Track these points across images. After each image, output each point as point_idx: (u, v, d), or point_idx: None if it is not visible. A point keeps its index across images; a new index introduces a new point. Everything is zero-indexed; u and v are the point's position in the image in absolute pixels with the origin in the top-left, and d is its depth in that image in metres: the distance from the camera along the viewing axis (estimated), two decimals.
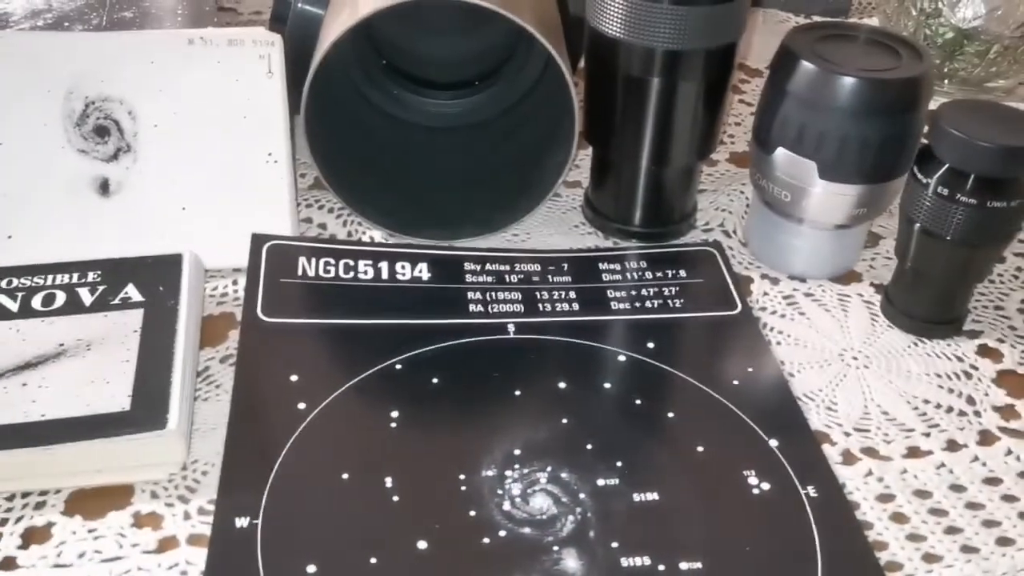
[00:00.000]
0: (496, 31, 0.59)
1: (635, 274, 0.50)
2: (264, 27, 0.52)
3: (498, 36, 0.59)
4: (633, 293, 0.48)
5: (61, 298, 0.43)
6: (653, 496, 0.38)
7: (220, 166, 0.49)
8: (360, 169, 0.51)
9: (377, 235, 0.51)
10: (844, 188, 0.46)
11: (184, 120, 0.49)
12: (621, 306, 0.48)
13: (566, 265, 0.50)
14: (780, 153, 0.47)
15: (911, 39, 0.48)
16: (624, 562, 0.35)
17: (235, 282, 0.48)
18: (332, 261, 0.49)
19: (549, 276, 0.49)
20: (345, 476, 0.38)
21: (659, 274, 0.50)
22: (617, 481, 0.38)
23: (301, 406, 0.41)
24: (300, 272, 0.48)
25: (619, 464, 0.39)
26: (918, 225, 0.45)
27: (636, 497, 0.38)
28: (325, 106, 0.50)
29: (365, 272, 0.48)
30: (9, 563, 0.34)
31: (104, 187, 0.47)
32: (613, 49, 0.48)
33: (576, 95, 0.47)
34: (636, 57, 0.47)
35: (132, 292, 0.43)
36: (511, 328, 0.46)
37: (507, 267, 0.50)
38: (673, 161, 0.51)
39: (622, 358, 0.45)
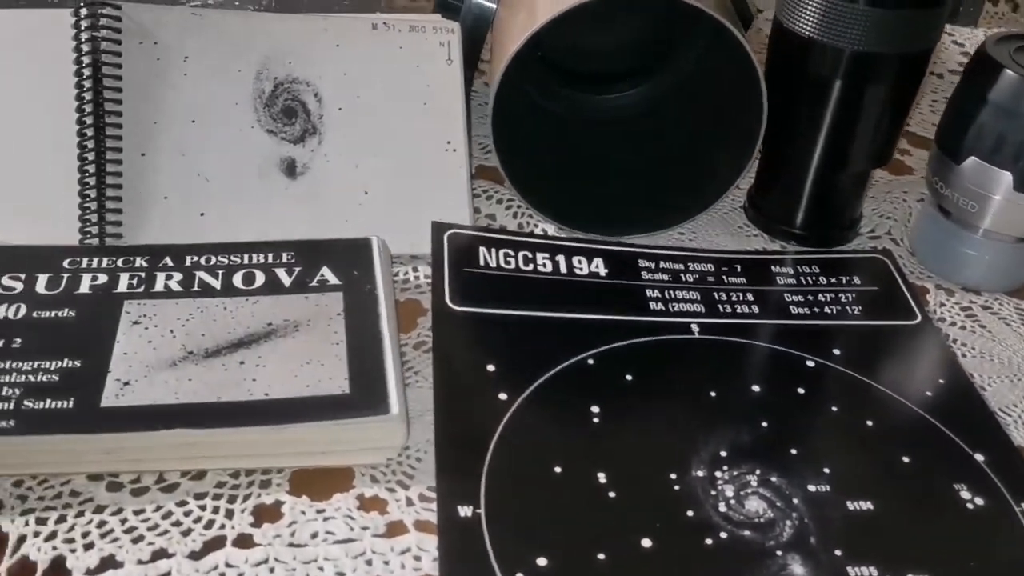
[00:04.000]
0: (655, 16, 0.58)
1: (809, 279, 0.50)
2: (427, 13, 0.53)
3: (658, 21, 0.59)
4: (810, 298, 0.48)
5: (260, 278, 0.43)
6: (868, 505, 0.38)
7: (400, 152, 0.49)
8: (533, 163, 0.51)
9: (549, 229, 0.51)
10: None
11: (367, 104, 0.49)
12: (800, 311, 0.47)
13: (739, 266, 0.50)
14: (971, 162, 0.47)
15: None
16: (851, 571, 0.35)
17: (415, 269, 0.48)
18: (511, 253, 0.49)
19: (724, 277, 0.49)
20: (557, 469, 0.38)
21: (833, 280, 0.50)
22: (828, 488, 0.38)
23: (503, 396, 0.41)
24: (482, 262, 0.48)
25: (827, 471, 0.39)
26: None
27: (850, 505, 0.38)
28: (504, 103, 0.50)
29: (544, 265, 0.48)
30: (245, 540, 0.34)
31: (291, 168, 0.48)
32: (799, 47, 0.47)
33: (765, 88, 0.47)
34: (824, 57, 0.47)
35: (328, 275, 0.44)
36: (695, 328, 0.46)
37: (681, 266, 0.50)
38: (849, 166, 0.50)
39: (811, 363, 0.44)
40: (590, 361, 0.43)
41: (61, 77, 0.46)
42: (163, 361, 0.38)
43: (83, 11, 0.46)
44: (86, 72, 0.45)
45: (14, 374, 0.36)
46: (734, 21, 0.48)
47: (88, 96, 0.45)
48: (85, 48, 0.45)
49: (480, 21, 0.54)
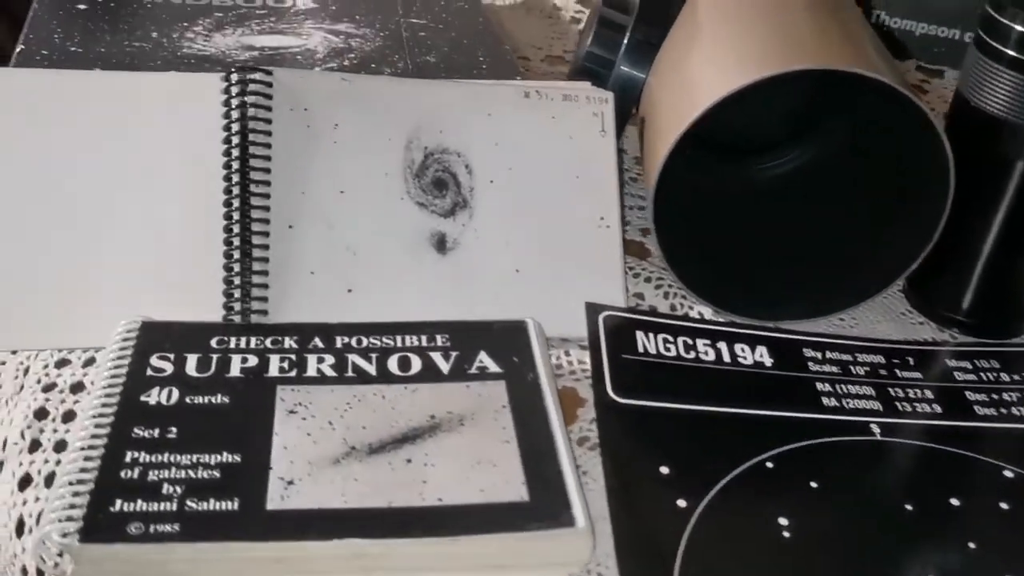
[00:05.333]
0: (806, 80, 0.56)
1: (990, 375, 0.46)
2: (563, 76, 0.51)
3: (817, 86, 0.56)
4: (995, 397, 0.45)
5: (417, 363, 0.40)
6: None
7: (552, 228, 0.46)
8: (688, 243, 0.48)
9: (704, 312, 0.48)
10: None
11: (518, 177, 0.47)
12: (986, 411, 0.44)
13: (911, 359, 0.47)
14: None
15: None
16: None
17: (567, 353, 0.45)
18: (670, 338, 0.46)
19: (896, 370, 0.46)
20: None
21: (1016, 376, 0.46)
22: None
23: (681, 503, 0.38)
24: (640, 348, 0.45)
25: None
26: None
27: None
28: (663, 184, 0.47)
29: (705, 353, 0.45)
30: None
31: (441, 243, 0.45)
32: (985, 125, 0.44)
33: (953, 169, 0.44)
34: (1013, 137, 0.44)
35: (487, 361, 0.41)
36: (875, 429, 0.42)
37: (849, 357, 0.46)
38: None
39: (1009, 474, 0.41)
40: (769, 464, 0.40)
41: (208, 144, 0.44)
42: (326, 458, 0.35)
43: (234, 76, 0.44)
44: (235, 140, 0.43)
45: (173, 469, 0.34)
46: (912, 91, 0.46)
47: (236, 164, 0.43)
48: (235, 115, 0.44)
49: (628, 91, 0.51)
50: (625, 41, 0.51)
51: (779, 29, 0.46)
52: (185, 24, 0.55)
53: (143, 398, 0.37)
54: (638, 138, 0.54)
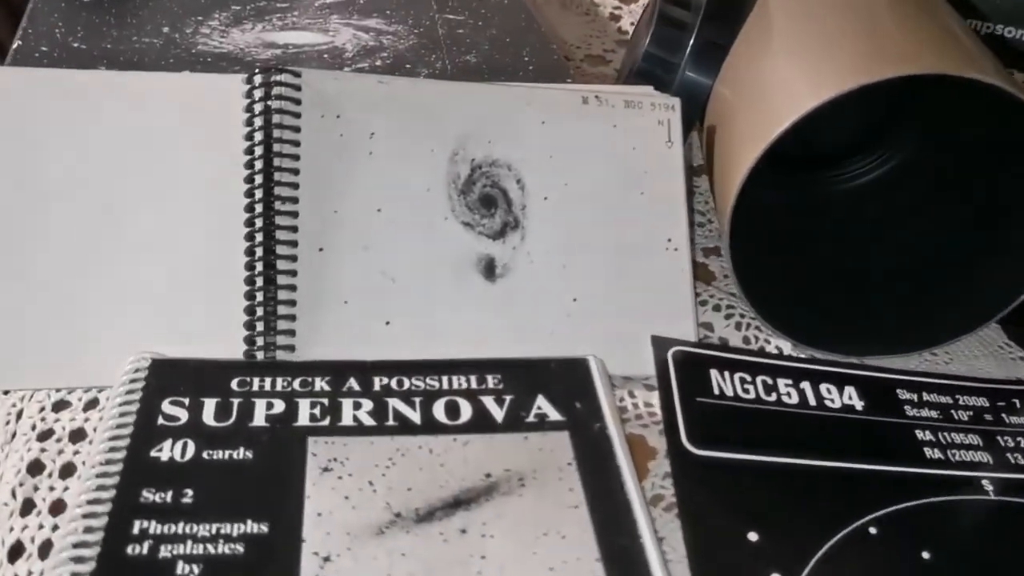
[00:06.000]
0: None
1: None
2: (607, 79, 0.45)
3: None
4: None
5: (467, 409, 0.35)
6: None
7: (613, 251, 0.41)
8: (764, 271, 0.43)
9: (783, 346, 0.43)
10: None
11: (576, 193, 0.41)
12: None
13: (1018, 402, 0.42)
14: None
15: None
16: None
17: (631, 394, 0.40)
18: (748, 378, 0.41)
19: (1003, 415, 0.41)
20: None
21: None
22: None
23: None
24: (716, 389, 0.40)
25: None
26: None
27: None
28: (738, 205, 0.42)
29: (788, 395, 0.40)
30: None
31: (490, 269, 0.40)
32: None
33: None
34: None
35: (546, 407, 0.36)
36: (987, 486, 0.37)
37: (948, 399, 0.41)
38: None
39: None
40: (872, 529, 0.35)
41: (227, 155, 0.38)
42: (367, 527, 0.30)
43: (258, 77, 0.39)
44: (258, 150, 0.38)
45: (189, 542, 0.29)
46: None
47: (259, 179, 0.38)
48: (258, 121, 0.38)
49: (693, 98, 0.46)
50: (691, 42, 0.46)
51: (867, 27, 0.41)
52: (200, 18, 0.50)
53: (153, 453, 0.31)
54: (701, 148, 0.49)
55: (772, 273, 0.44)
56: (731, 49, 0.46)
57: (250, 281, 0.38)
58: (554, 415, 0.35)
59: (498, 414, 0.35)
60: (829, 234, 0.49)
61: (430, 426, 0.34)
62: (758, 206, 0.42)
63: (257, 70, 0.39)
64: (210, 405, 0.34)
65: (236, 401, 0.34)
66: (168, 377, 0.35)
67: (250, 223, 0.38)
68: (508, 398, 0.36)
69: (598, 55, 0.71)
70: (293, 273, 0.38)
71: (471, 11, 0.55)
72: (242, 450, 0.32)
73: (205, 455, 0.32)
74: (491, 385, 0.36)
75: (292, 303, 0.38)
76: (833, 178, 0.51)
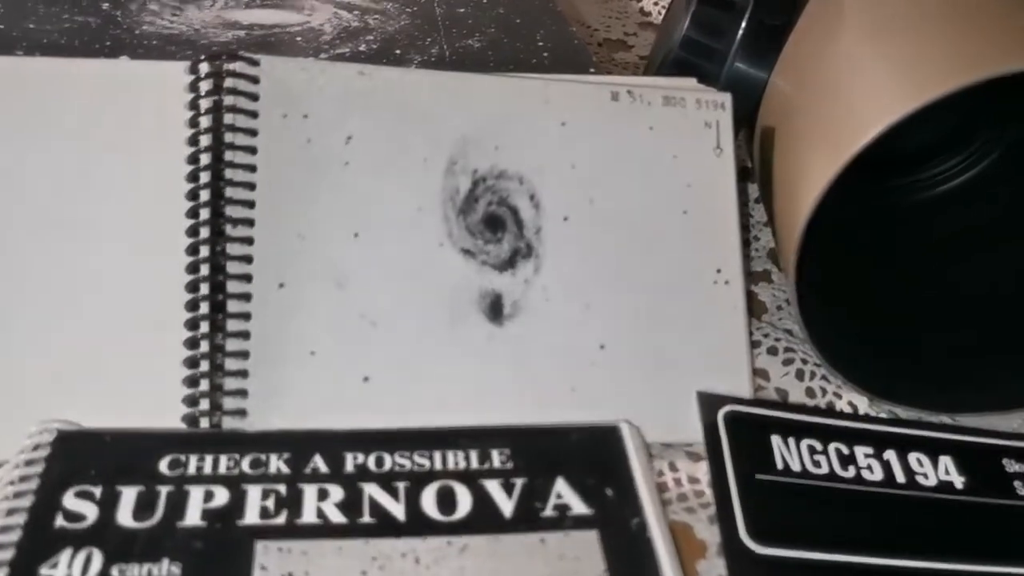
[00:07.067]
0: None
1: None
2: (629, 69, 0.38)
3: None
4: None
5: (465, 499, 0.27)
6: None
7: (650, 285, 0.33)
8: (832, 312, 0.35)
9: (857, 402, 0.35)
10: None
11: (603, 213, 0.33)
12: None
13: None
14: None
15: None
16: None
17: (673, 466, 0.32)
18: (818, 446, 0.33)
19: None
20: None
21: None
22: None
23: None
24: (779, 462, 0.32)
25: None
26: None
27: None
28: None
29: (868, 467, 0.32)
30: None
31: (495, 308, 0.32)
32: None
33: None
34: None
35: (568, 495, 0.28)
36: None
37: None
38: None
39: None
40: None
41: (166, 164, 0.30)
42: None
43: (203, 65, 0.31)
44: (203, 159, 0.30)
45: None
46: None
47: (204, 195, 0.30)
48: (204, 122, 0.30)
49: (744, 93, 0.38)
50: (743, 26, 0.38)
51: (969, 8, 0.33)
52: None
53: (44, 572, 0.24)
54: (750, 152, 0.41)
55: (841, 309, 0.36)
56: (791, 32, 0.38)
57: (192, 325, 0.29)
58: (578, 507, 0.27)
59: (506, 505, 0.27)
60: (907, 257, 0.40)
61: (417, 523, 0.26)
62: (822, 224, 0.34)
63: (202, 57, 0.31)
64: (129, 496, 0.26)
65: (164, 490, 0.26)
66: (77, 456, 0.26)
67: (192, 251, 0.30)
68: (519, 482, 0.28)
69: (618, 39, 0.62)
70: (246, 316, 0.30)
71: None
72: (167, 564, 0.24)
73: (116, 572, 0.24)
74: (497, 464, 0.29)
75: (244, 355, 0.29)
76: (909, 186, 0.43)
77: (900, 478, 0.32)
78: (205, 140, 0.30)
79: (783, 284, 0.40)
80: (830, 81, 0.33)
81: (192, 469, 0.27)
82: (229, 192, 0.30)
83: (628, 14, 0.65)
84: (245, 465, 0.27)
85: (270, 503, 0.26)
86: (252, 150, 0.31)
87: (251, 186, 0.30)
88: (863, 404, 0.34)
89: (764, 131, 0.37)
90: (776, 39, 0.38)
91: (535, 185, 0.33)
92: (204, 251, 0.30)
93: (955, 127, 0.43)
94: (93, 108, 0.30)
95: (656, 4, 0.65)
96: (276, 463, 0.28)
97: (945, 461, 0.33)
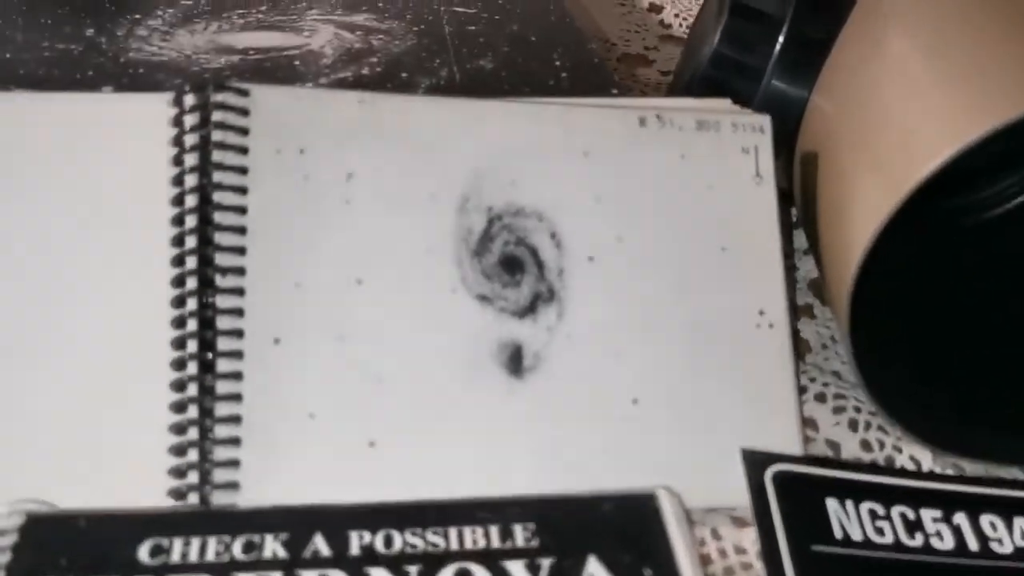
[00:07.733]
0: None
1: None
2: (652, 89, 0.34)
3: None
4: None
5: None
6: None
7: (686, 331, 0.30)
8: (885, 343, 0.32)
9: (921, 457, 0.32)
10: None
11: (633, 252, 0.30)
12: None
13: None
14: None
15: None
16: None
17: (716, 534, 0.29)
18: (880, 511, 0.29)
19: None
20: None
21: None
22: None
23: None
24: (838, 531, 0.28)
25: None
26: None
27: None
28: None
29: (939, 535, 0.29)
30: None
31: (515, 360, 0.29)
32: None
33: None
34: None
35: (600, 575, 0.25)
36: None
37: None
38: None
39: None
40: None
41: (149, 206, 0.28)
42: None
43: (189, 97, 0.28)
44: (189, 200, 0.27)
45: None
46: None
47: (191, 241, 0.27)
48: (189, 160, 0.27)
49: (782, 114, 0.35)
50: (781, 40, 0.35)
51: (1019, 28, 0.30)
52: (137, 16, 0.39)
53: None
54: (789, 175, 0.37)
55: (897, 351, 0.33)
56: (833, 47, 0.35)
57: (178, 387, 0.27)
58: None
59: None
60: (966, 288, 0.37)
61: None
62: (879, 258, 0.31)
63: (187, 88, 0.28)
64: None
65: None
66: (49, 545, 0.23)
67: (178, 304, 0.27)
68: (546, 563, 0.25)
69: (638, 54, 0.59)
70: (238, 376, 0.27)
71: (485, 2, 0.44)
72: None
73: None
74: (520, 541, 0.25)
75: (236, 420, 0.26)
76: (965, 207, 0.39)
77: (973, 546, 0.28)
78: (191, 180, 0.27)
79: (828, 319, 0.37)
80: (882, 101, 0.30)
81: (176, 556, 0.24)
82: (218, 238, 0.27)
83: (647, 26, 0.62)
84: (236, 549, 0.24)
85: None
86: (243, 190, 0.28)
87: (242, 230, 0.27)
88: (926, 458, 0.31)
89: (806, 156, 0.34)
90: (817, 54, 0.34)
91: (556, 222, 0.30)
92: (191, 304, 0.27)
93: (1007, 148, 0.40)
94: (66, 147, 0.27)
95: (677, 16, 0.62)
96: (272, 545, 0.24)
97: (1021, 523, 0.29)
